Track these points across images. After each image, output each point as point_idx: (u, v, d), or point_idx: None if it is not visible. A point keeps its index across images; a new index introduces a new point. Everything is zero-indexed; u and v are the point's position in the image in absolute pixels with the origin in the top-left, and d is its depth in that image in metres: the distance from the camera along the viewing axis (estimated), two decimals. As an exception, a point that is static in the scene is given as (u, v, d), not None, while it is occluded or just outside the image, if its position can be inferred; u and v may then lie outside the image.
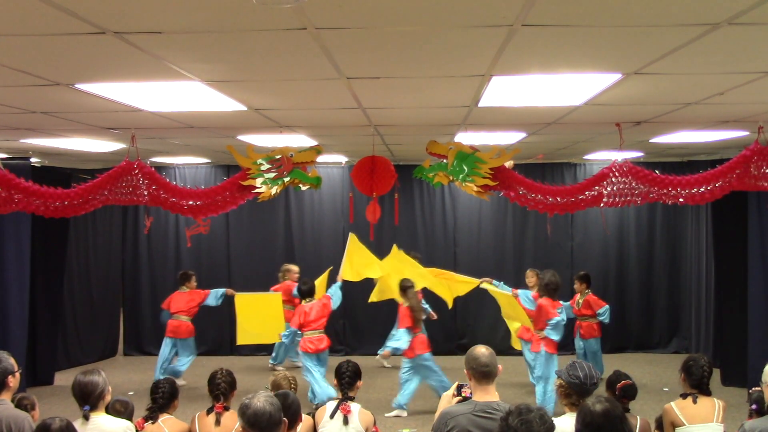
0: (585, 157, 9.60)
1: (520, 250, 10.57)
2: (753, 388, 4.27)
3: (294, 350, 9.08)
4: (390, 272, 8.07)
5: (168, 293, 10.83)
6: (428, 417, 6.49)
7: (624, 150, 5.75)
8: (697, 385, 4.34)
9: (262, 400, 2.93)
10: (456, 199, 10.63)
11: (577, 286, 8.80)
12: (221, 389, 4.44)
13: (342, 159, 9.83)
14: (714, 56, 3.36)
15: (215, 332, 10.53)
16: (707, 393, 4.35)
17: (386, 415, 7.38)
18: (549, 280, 7.28)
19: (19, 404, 4.16)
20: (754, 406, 3.96)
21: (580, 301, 8.67)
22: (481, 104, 4.70)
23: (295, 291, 8.38)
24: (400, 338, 7.40)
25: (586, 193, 5.60)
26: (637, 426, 3.92)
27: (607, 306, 8.57)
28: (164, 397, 4.38)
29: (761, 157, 5.36)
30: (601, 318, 8.57)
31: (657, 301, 10.67)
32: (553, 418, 2.72)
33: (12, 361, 3.91)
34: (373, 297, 8.51)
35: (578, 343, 8.84)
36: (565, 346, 10.33)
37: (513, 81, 3.94)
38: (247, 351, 10.14)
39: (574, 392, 3.56)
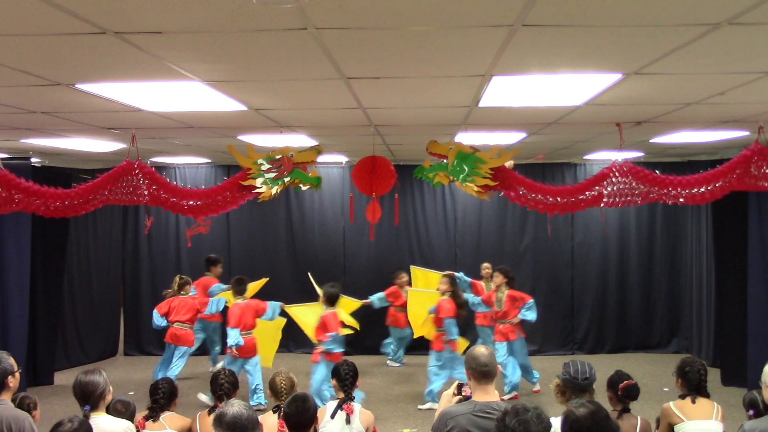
0: (585, 157, 9.60)
1: (520, 250, 10.57)
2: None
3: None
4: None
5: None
6: (428, 417, 6.49)
7: (624, 150, 5.75)
8: (695, 389, 4.35)
9: (236, 405, 2.96)
10: (456, 199, 10.62)
11: (496, 278, 7.88)
12: (224, 389, 4.50)
13: (342, 159, 9.83)
14: (714, 56, 3.36)
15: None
16: (706, 395, 4.37)
17: (420, 407, 7.61)
18: None
19: (21, 404, 4.16)
20: (751, 412, 3.95)
21: (502, 297, 7.76)
22: (481, 104, 4.70)
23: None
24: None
25: (586, 193, 5.60)
26: (638, 426, 3.92)
27: (532, 300, 7.77)
28: (164, 398, 4.42)
29: (761, 157, 5.36)
30: (528, 316, 7.64)
31: (657, 301, 10.66)
32: (550, 417, 2.72)
33: (12, 361, 3.90)
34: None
35: (501, 349, 7.69)
36: (565, 345, 10.42)
37: (513, 81, 3.93)
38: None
39: (568, 389, 3.69)
